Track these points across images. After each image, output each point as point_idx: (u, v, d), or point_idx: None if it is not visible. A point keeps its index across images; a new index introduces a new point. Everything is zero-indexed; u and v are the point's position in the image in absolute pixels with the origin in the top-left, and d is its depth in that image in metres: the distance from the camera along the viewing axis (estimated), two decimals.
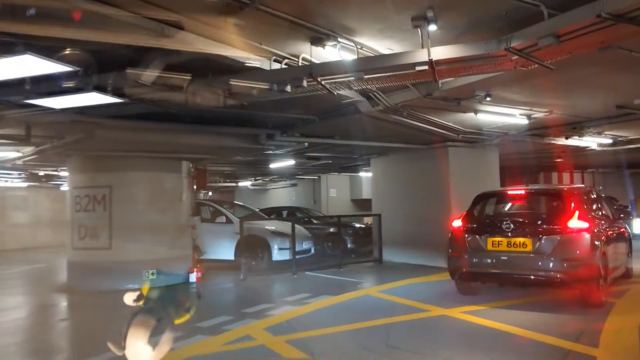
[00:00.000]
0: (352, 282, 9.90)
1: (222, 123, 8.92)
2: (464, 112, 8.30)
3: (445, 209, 11.61)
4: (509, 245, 6.85)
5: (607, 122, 9.72)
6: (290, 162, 13.95)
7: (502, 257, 6.88)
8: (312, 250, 13.07)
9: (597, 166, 20.31)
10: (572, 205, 6.95)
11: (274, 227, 12.56)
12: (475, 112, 8.25)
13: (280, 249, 12.03)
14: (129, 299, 2.42)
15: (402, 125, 9.05)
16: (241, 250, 11.65)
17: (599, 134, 11.97)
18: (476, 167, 12.17)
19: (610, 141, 12.81)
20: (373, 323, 6.44)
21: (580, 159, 16.33)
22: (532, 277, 6.73)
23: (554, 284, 6.71)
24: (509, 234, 6.88)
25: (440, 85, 6.46)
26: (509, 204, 8.15)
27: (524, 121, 8.85)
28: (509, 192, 8.07)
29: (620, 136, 12.54)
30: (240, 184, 22.60)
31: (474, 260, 7.17)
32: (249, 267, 11.13)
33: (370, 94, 7.30)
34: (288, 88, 5.52)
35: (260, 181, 21.91)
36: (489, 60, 4.87)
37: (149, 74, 5.19)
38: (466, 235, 7.37)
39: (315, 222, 15.60)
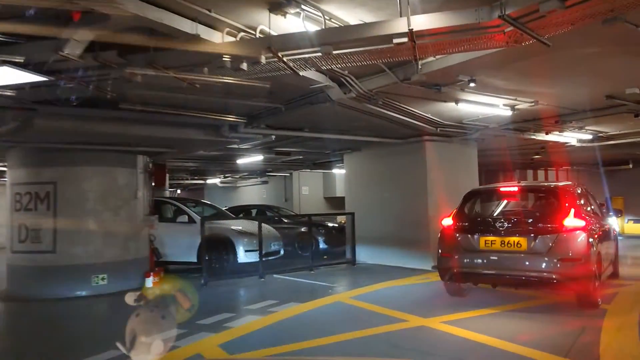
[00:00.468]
0: (323, 287, 9.10)
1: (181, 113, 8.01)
2: (445, 101, 7.58)
3: (423, 207, 10.93)
4: (503, 245, 6.46)
5: (592, 115, 9.15)
6: (258, 158, 13.08)
7: (495, 257, 6.51)
8: (282, 252, 12.22)
9: (573, 164, 19.95)
10: (568, 202, 6.62)
11: (240, 227, 11.66)
12: (457, 101, 7.54)
13: (247, 250, 11.13)
14: (130, 299, 2.03)
15: (377, 117, 8.29)
16: (204, 252, 10.76)
17: (580, 129, 11.45)
18: (455, 163, 11.51)
19: (589, 137, 12.35)
20: (341, 338, 5.62)
21: (558, 156, 15.87)
22: (526, 277, 6.34)
23: (550, 284, 6.34)
24: (503, 233, 6.49)
25: (419, 67, 5.71)
26: (502, 201, 7.76)
27: (508, 112, 8.19)
28: (502, 189, 7.60)
29: (601, 132, 12.07)
30: (209, 181, 21.60)
31: (466, 260, 6.76)
32: (211, 270, 10.25)
33: (342, 79, 6.50)
34: (244, 65, 4.67)
35: (229, 178, 20.95)
36: (478, 33, 4.12)
37: (75, 44, 4.27)
38: (457, 234, 6.94)
39: (285, 221, 14.76)
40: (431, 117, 8.89)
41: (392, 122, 8.95)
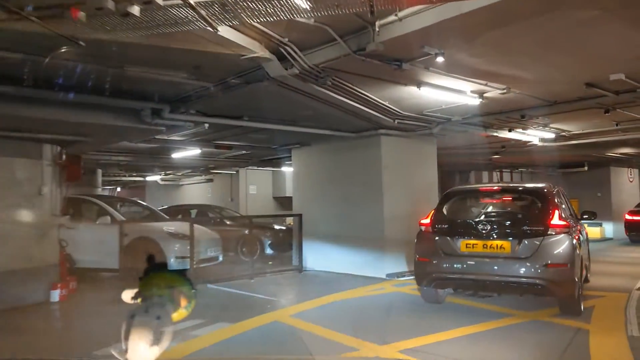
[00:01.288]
0: (262, 301, 7.77)
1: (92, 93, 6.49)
2: (405, 84, 6.42)
3: (378, 209, 9.78)
4: (485, 248, 6.10)
5: (562, 109, 8.24)
6: (195, 152, 11.59)
7: (477, 261, 6.13)
8: (221, 258, 10.79)
9: (529, 165, 19.42)
10: (552, 205, 6.31)
11: (173, 229, 10.16)
12: (419, 84, 6.38)
13: (178, 256, 9.65)
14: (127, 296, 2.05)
15: (326, 103, 7.04)
16: (124, 258, 9.26)
17: (545, 126, 10.62)
18: (413, 161, 10.42)
19: (552, 136, 11.57)
20: None
21: (516, 157, 15.14)
22: (510, 282, 6.01)
23: (534, 290, 6.01)
24: (485, 236, 6.12)
25: (377, 31, 4.48)
26: (482, 203, 7.23)
27: (475, 101, 7.11)
28: (483, 189, 7.39)
29: (564, 131, 11.30)
30: (149, 178, 19.81)
31: (445, 264, 6.32)
32: (134, 280, 8.70)
33: (282, 49, 5.20)
34: (134, 8, 3.29)
35: (171, 175, 19.25)
36: None
37: None
38: (436, 237, 6.51)
39: (228, 223, 13.32)
40: (389, 105, 7.71)
41: (344, 112, 7.73)
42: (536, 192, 6.83)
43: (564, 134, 11.46)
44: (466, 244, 6.24)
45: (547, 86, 6.70)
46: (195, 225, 10.03)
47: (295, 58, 5.33)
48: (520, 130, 10.99)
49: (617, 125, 10.29)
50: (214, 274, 9.76)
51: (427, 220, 6.78)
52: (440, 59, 5.06)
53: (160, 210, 15.50)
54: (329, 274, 10.27)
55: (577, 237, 6.45)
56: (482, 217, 6.55)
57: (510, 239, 6.02)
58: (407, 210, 10.03)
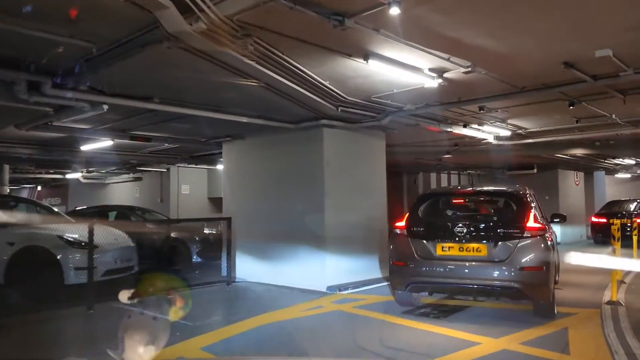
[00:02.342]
0: (172, 327, 6.20)
1: None
2: (350, 54, 5.08)
3: (318, 212, 8.41)
4: (461, 251, 5.96)
5: (527, 99, 7.21)
6: (107, 143, 9.83)
7: (453, 265, 5.99)
8: (136, 268, 9.08)
9: (479, 166, 18.71)
10: (527, 207, 6.21)
11: (76, 236, 8.37)
12: (367, 56, 5.05)
13: (79, 267, 7.91)
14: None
15: (253, 80, 5.61)
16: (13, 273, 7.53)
17: (502, 122, 9.63)
18: (360, 157, 9.14)
19: (508, 133, 10.64)
20: None
21: (467, 157, 14.22)
22: (486, 285, 5.86)
23: (510, 292, 5.89)
24: (461, 239, 5.98)
25: None
26: (458, 205, 7.10)
27: (433, 82, 5.87)
28: (458, 192, 7.45)
29: (521, 128, 10.38)
30: (70, 176, 17.62)
31: (421, 268, 6.13)
32: (22, 296, 7.07)
33: None
34: None
35: (94, 173, 17.17)
36: None
37: None
38: (411, 240, 6.26)
39: (150, 226, 11.58)
40: (330, 87, 6.36)
41: (277, 94, 6.33)
42: (511, 195, 6.74)
43: (520, 131, 10.54)
44: (442, 247, 6.07)
45: (518, 65, 5.54)
46: (107, 229, 8.36)
47: (202, 7, 3.87)
48: (476, 126, 9.96)
49: (577, 122, 9.44)
50: (123, 289, 8.06)
51: (402, 223, 6.51)
52: (394, 10, 3.71)
53: (77, 211, 13.60)
54: (262, 286, 8.80)
55: (552, 239, 6.42)
56: (458, 220, 6.30)
57: (486, 241, 5.89)
58: (352, 214, 8.74)
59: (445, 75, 5.73)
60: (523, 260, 5.72)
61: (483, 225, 6.17)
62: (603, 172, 20.61)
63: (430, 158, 14.52)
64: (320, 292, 8.06)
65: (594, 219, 16.70)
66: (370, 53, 5.00)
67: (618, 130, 9.81)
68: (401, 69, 5.39)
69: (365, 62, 5.11)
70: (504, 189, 7.32)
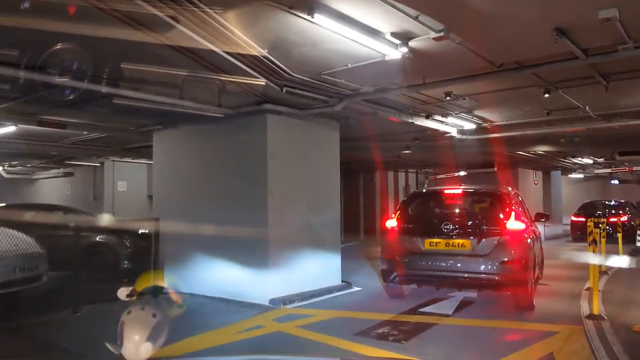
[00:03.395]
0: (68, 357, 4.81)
1: None
2: (291, 7, 3.84)
3: (261, 212, 7.15)
4: (447, 246, 6.37)
5: (509, 80, 6.22)
6: (9, 129, 8.22)
7: (439, 258, 6.39)
8: (45, 277, 7.54)
9: (437, 165, 17.90)
10: (509, 206, 6.61)
11: None
12: (312, 9, 3.83)
13: None
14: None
15: (159, 43, 4.29)
16: None
17: (468, 112, 8.65)
18: (309, 150, 7.93)
19: (473, 127, 9.70)
20: None
21: (427, 153, 13.29)
22: (470, 278, 6.27)
23: (492, 285, 6.28)
24: (447, 235, 6.40)
25: None
26: (445, 204, 7.36)
27: (395, 53, 4.72)
28: (445, 191, 7.52)
29: (487, 121, 9.46)
30: None
31: (410, 262, 6.53)
32: None
33: None
34: None
35: (19, 167, 15.26)
36: None
37: None
38: (401, 236, 6.74)
39: (72, 227, 9.96)
40: (270, 57, 5.09)
41: (203, 66, 5.03)
42: (495, 195, 7.05)
43: (485, 124, 9.62)
44: (430, 242, 6.44)
45: (500, 31, 4.45)
46: (5, 233, 6.86)
47: None
48: (440, 117, 8.96)
49: (548, 114, 8.57)
50: (23, 305, 6.61)
51: (394, 221, 6.92)
52: None
53: None
54: (194, 299, 7.43)
55: (531, 237, 6.76)
56: (445, 218, 6.65)
57: (470, 238, 6.28)
58: (301, 215, 7.53)
59: (412, 43, 4.58)
60: (503, 255, 6.13)
61: (468, 222, 6.57)
62: (560, 172, 20.28)
63: (389, 154, 13.50)
64: (262, 307, 6.81)
65: (573, 218, 17.63)
66: (316, 5, 3.78)
67: (589, 124, 9.03)
68: (356, 30, 4.19)
69: (310, 17, 3.87)
70: (489, 189, 7.56)
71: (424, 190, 7.92)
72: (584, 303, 6.83)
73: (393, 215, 7.12)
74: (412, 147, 11.64)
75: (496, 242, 6.18)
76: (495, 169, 15.70)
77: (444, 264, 6.35)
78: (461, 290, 6.99)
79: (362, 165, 17.22)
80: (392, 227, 6.87)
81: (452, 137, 10.08)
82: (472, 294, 7.42)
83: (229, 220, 7.43)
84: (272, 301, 6.91)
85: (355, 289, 8.13)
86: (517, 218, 6.41)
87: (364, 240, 17.48)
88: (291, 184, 7.48)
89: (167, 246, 7.99)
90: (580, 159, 16.28)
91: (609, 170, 18.40)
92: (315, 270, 7.70)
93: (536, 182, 18.34)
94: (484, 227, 6.45)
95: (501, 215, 6.47)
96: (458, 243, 6.30)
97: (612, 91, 6.80)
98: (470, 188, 7.79)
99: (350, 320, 6.23)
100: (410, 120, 8.51)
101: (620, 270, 9.65)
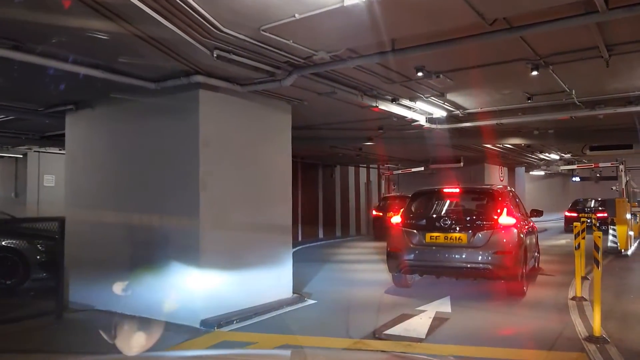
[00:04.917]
0: None
1: None
2: None
3: (192, 211, 5.70)
4: (446, 239, 6.88)
5: (502, 38, 4.99)
6: None
7: (439, 250, 6.93)
8: None
9: (400, 160, 16.79)
10: (502, 203, 7.13)
11: None
12: None
13: None
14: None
15: None
16: None
17: (440, 96, 7.46)
18: (254, 136, 6.52)
19: (444, 114, 8.54)
20: None
21: (392, 145, 12.11)
22: (466, 268, 6.80)
23: (486, 273, 6.78)
24: (446, 229, 6.90)
25: None
26: (444, 201, 7.92)
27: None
28: (445, 190, 7.90)
29: (459, 107, 8.32)
30: None
31: (413, 253, 7.09)
32: None
33: None
34: None
35: None
36: None
37: None
38: (405, 230, 7.23)
39: None
40: (190, 1, 3.67)
41: (105, 14, 3.57)
42: (490, 193, 7.71)
43: (458, 112, 8.47)
44: (430, 236, 6.97)
45: None
46: None
47: None
48: (408, 102, 7.73)
49: (529, 99, 7.48)
50: None
51: (398, 218, 7.43)
52: None
53: None
54: (109, 318, 5.92)
55: (524, 231, 7.26)
56: (444, 213, 7.33)
57: (467, 231, 6.80)
58: (242, 214, 6.14)
59: None
60: (495, 247, 6.67)
61: (464, 218, 7.07)
62: (523, 168, 19.63)
63: (350, 146, 12.25)
64: (190, 330, 5.38)
65: (567, 214, 19.78)
66: None
67: (572, 112, 8.00)
68: None
69: None
70: (484, 187, 8.42)
71: (425, 189, 8.38)
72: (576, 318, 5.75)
73: (398, 213, 7.76)
74: (376, 138, 10.41)
75: (489, 235, 6.73)
76: (462, 164, 14.74)
77: (443, 256, 6.90)
78: (458, 279, 7.43)
79: (321, 159, 15.94)
80: (397, 223, 7.41)
81: (420, 127, 8.90)
82: (446, 309, 6.26)
83: (152, 221, 5.97)
84: (204, 323, 5.48)
85: (310, 302, 6.79)
86: (508, 214, 6.95)
87: (323, 239, 16.21)
88: (231, 177, 6.07)
89: (79, 252, 6.45)
90: (547, 154, 15.53)
91: (574, 166, 17.78)
92: (261, 281, 6.32)
93: (502, 179, 17.56)
94: (479, 222, 6.97)
95: (494, 211, 7.03)
96: (455, 237, 6.85)
97: (609, 70, 5.72)
98: (467, 187, 8.56)
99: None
100: (374, 104, 7.25)
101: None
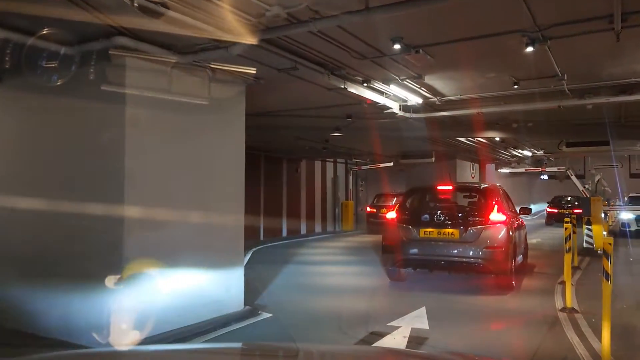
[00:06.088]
0: None
1: None
2: None
3: (117, 204, 4.54)
4: (439, 234, 7.07)
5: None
6: None
7: (432, 244, 7.12)
8: None
9: (369, 154, 15.86)
10: (493, 201, 7.37)
11: None
12: None
13: None
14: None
15: None
16: None
17: (418, 77, 6.51)
18: (198, 120, 5.37)
19: (420, 101, 7.62)
20: None
21: (360, 136, 11.13)
22: (458, 262, 6.98)
23: (477, 267, 6.99)
24: (439, 225, 7.08)
25: None
26: (438, 198, 8.14)
27: None
28: (438, 187, 8.15)
29: (437, 94, 7.40)
30: None
31: (407, 248, 7.26)
32: None
33: None
34: None
35: None
36: None
37: None
38: (400, 226, 7.44)
39: None
40: None
41: None
42: (481, 190, 8.24)
43: (435, 99, 7.54)
44: (424, 231, 7.18)
45: None
46: None
47: None
48: (381, 84, 6.76)
49: (515, 85, 6.60)
50: None
51: (394, 214, 7.68)
52: None
53: None
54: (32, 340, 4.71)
55: (513, 227, 7.46)
56: (438, 210, 7.39)
57: (459, 227, 7.04)
58: (181, 212, 5.00)
59: None
60: (486, 242, 6.88)
61: (457, 214, 7.28)
62: (494, 165, 19.07)
63: (316, 138, 11.21)
64: None
65: (548, 209, 21.47)
66: None
67: (559, 101, 7.20)
68: None
69: None
70: (476, 185, 8.93)
71: (419, 186, 8.67)
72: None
73: (393, 209, 8.01)
74: (344, 128, 9.40)
75: (480, 231, 6.94)
76: (433, 159, 13.92)
77: (436, 249, 7.10)
78: (450, 273, 7.45)
79: (285, 152, 14.86)
80: (392, 219, 7.60)
81: (393, 116, 7.94)
82: (423, 324, 5.31)
83: (64, 219, 4.77)
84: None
85: (264, 316, 5.72)
86: (499, 210, 7.17)
87: (288, 237, 15.15)
88: (167, 168, 4.93)
89: None
90: (520, 151, 14.90)
91: (522, 169, 17.45)
92: (203, 293, 5.21)
93: (473, 176, 16.89)
94: (471, 218, 7.19)
95: (485, 208, 7.27)
96: (448, 232, 7.03)
97: (616, 47, 4.89)
98: (460, 184, 9.14)
99: None
100: (342, 86, 6.24)
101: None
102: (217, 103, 5.55)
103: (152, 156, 4.78)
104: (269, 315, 5.74)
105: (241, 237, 5.83)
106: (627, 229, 14.97)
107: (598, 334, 4.88)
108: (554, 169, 17.13)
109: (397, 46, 4.93)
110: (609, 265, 4.16)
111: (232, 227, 5.71)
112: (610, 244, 4.19)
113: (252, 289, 6.26)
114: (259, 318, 5.63)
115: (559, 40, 4.90)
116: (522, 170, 18.47)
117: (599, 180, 15.15)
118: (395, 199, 14.25)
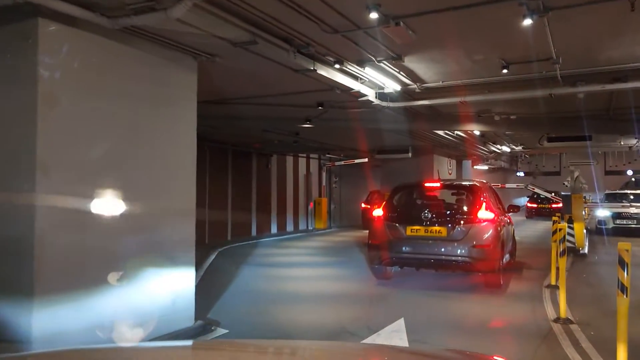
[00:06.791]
0: None
1: None
2: None
3: (26, 199, 3.61)
4: (426, 232, 6.93)
5: None
6: None
7: (419, 243, 6.98)
8: None
9: (342, 149, 15.10)
10: (481, 198, 7.19)
11: None
12: None
13: None
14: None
15: None
16: None
17: (397, 59, 5.76)
18: (136, 100, 4.47)
19: (398, 88, 6.88)
20: None
21: (332, 128, 10.33)
22: (446, 260, 6.86)
23: (464, 266, 6.87)
24: (426, 222, 6.95)
25: None
26: (425, 195, 8.00)
27: None
28: (425, 184, 8.06)
29: (418, 80, 6.69)
30: None
31: (393, 246, 7.09)
32: None
33: None
34: None
35: None
36: None
37: None
38: (386, 224, 7.29)
39: None
40: None
41: None
42: (469, 188, 7.81)
43: (414, 86, 6.80)
44: (411, 229, 6.99)
45: None
46: None
47: None
48: (355, 67, 5.97)
49: (505, 69, 5.90)
50: None
51: (380, 211, 7.46)
52: None
53: None
54: None
55: (501, 225, 7.28)
56: (425, 208, 7.22)
57: (446, 225, 6.86)
58: (114, 214, 4.12)
59: None
60: (474, 240, 6.76)
61: (444, 212, 7.19)
62: (470, 162, 18.57)
63: (285, 130, 10.37)
64: None
65: (528, 205, 22.35)
66: None
67: (550, 89, 6.56)
68: None
69: None
70: (463, 182, 8.59)
71: (407, 184, 8.36)
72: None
73: (380, 206, 7.78)
74: (315, 119, 8.59)
75: (468, 229, 6.78)
76: (410, 154, 13.25)
77: (423, 247, 6.92)
78: (438, 271, 7.34)
79: (254, 147, 13.97)
80: (379, 216, 7.41)
81: (368, 104, 7.19)
82: (402, 342, 4.57)
83: None
84: None
85: (219, 332, 4.88)
86: (487, 208, 7.03)
87: (257, 237, 14.27)
88: (94, 158, 4.04)
89: None
90: (499, 146, 14.37)
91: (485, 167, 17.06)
92: (145, 308, 4.34)
93: (450, 172, 16.32)
94: (458, 216, 7.04)
95: (473, 206, 7.09)
96: (435, 230, 6.86)
97: (626, 20, 4.22)
98: (447, 181, 8.73)
99: None
100: (311, 67, 5.43)
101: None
102: (162, 81, 4.67)
103: (74, 144, 3.87)
104: (225, 331, 4.91)
105: (191, 239, 4.96)
106: (604, 227, 14.67)
107: (601, 351, 4.24)
108: (513, 185, 19.14)
109: (373, 15, 4.15)
110: (624, 276, 3.46)
111: (181, 229, 4.84)
112: (627, 250, 3.46)
113: (208, 299, 5.42)
114: (212, 335, 4.79)
115: (561, 12, 4.21)
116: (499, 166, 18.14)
117: (577, 177, 14.74)
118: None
